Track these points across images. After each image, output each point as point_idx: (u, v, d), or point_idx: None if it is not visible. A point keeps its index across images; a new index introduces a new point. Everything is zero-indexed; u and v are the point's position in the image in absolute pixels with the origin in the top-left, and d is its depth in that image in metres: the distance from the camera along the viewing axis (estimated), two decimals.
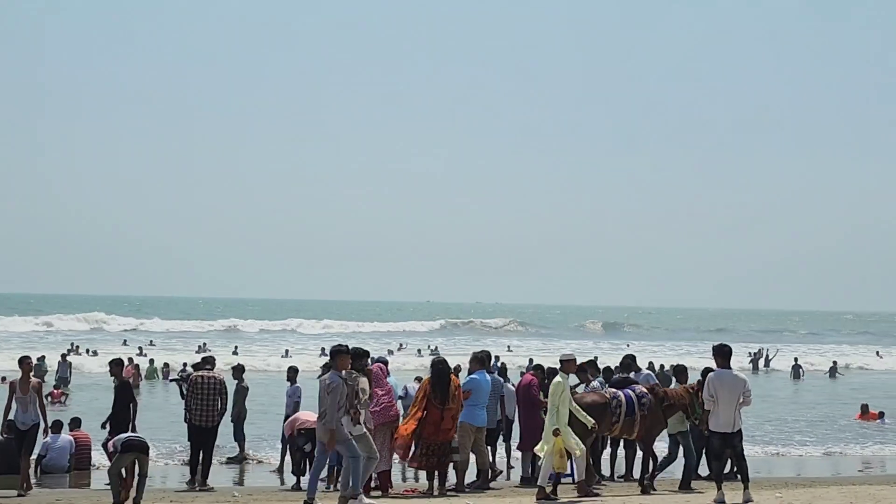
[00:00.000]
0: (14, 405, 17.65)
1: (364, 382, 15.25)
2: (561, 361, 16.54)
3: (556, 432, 15.57)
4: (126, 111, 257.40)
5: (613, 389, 17.53)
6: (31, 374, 17.98)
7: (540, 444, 16.00)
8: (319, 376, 20.37)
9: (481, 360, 18.05)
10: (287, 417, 20.97)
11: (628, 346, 73.11)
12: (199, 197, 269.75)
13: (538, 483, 15.91)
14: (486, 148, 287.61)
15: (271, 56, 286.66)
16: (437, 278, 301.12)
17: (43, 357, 41.62)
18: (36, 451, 19.69)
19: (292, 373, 22.14)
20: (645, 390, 17.43)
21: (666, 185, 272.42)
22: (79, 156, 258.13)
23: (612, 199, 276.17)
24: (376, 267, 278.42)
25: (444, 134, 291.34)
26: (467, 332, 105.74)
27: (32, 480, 18.86)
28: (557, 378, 16.03)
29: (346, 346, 15.70)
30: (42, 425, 17.83)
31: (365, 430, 15.15)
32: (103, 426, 20.07)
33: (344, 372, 15.00)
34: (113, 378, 19.16)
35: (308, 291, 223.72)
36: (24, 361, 18.10)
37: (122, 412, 18.69)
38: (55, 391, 35.16)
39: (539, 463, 16.20)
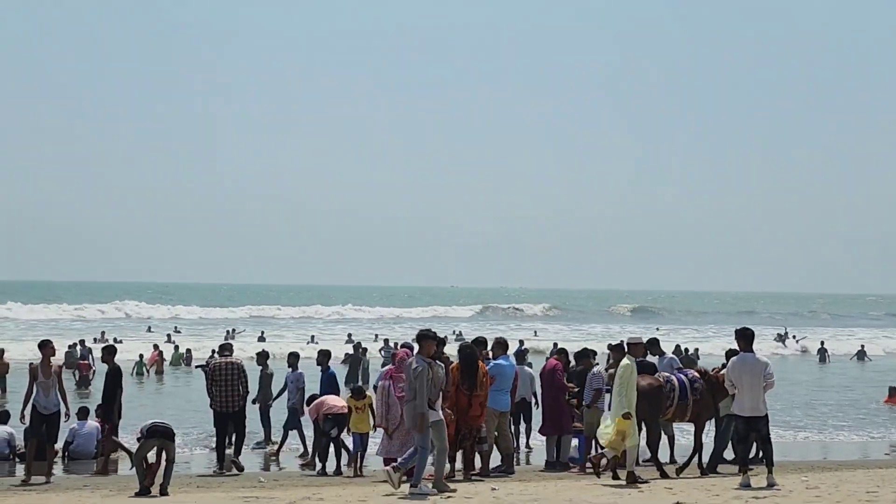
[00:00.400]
0: (35, 389, 17.60)
1: (440, 370, 15.22)
2: (628, 344, 16.42)
3: (626, 416, 15.46)
4: (132, 103, 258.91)
5: (666, 374, 17.53)
6: (52, 358, 17.91)
7: (603, 424, 15.89)
8: (319, 361, 20.46)
9: (504, 345, 18.02)
10: (295, 403, 20.94)
11: (658, 329, 72.99)
12: (221, 186, 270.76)
13: (626, 467, 15.71)
14: (508, 133, 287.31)
15: (292, 41, 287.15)
16: (461, 263, 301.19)
17: (76, 343, 41.51)
18: (63, 437, 19.82)
19: (293, 358, 21.99)
20: (697, 374, 17.38)
21: (692, 169, 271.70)
22: (99, 147, 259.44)
23: (639, 184, 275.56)
24: (399, 252, 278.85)
25: (465, 120, 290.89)
26: (505, 318, 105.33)
27: (58, 466, 18.97)
28: (626, 361, 15.89)
29: (433, 331, 15.73)
30: (63, 409, 17.84)
31: (441, 417, 15.09)
32: (97, 414, 20.17)
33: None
34: (105, 364, 19.33)
35: (331, 277, 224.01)
36: (45, 346, 18.06)
37: (114, 399, 18.81)
38: (82, 362, 35.04)
39: (597, 444, 15.99)
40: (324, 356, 20.68)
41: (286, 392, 21.79)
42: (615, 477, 15.99)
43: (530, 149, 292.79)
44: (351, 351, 41.69)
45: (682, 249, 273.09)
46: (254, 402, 22.02)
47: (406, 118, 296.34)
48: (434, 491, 14.52)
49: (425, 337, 15.16)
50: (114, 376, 18.93)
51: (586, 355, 19.16)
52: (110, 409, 18.72)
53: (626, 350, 16.55)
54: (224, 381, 18.88)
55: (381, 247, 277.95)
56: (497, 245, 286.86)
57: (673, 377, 17.25)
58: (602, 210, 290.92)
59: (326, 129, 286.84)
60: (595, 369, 18.44)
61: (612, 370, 16.90)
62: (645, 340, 19.37)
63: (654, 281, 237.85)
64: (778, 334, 70.38)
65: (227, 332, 64.15)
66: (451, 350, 18.02)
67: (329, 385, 19.92)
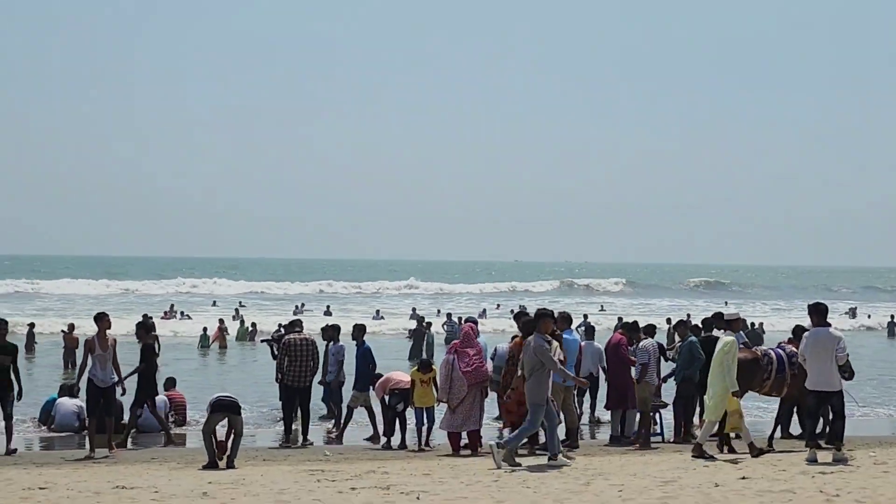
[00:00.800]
0: (91, 362, 17.60)
1: (556, 345, 15.25)
2: (727, 321, 16.33)
3: (736, 394, 15.45)
4: (203, 72, 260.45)
5: (764, 347, 17.35)
6: (108, 331, 17.90)
7: (712, 405, 15.80)
8: (354, 336, 20.30)
9: (569, 320, 17.94)
10: (330, 377, 20.81)
11: (726, 303, 72.48)
12: (290, 162, 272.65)
13: (697, 440, 15.77)
14: (580, 109, 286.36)
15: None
16: (523, 238, 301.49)
17: (146, 315, 41.81)
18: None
19: (333, 331, 21.32)
20: (794, 349, 17.22)
21: (765, 145, 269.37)
22: (163, 124, 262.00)
23: (709, 158, 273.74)
24: (462, 227, 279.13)
25: (535, 96, 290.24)
26: (583, 294, 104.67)
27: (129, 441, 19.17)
28: (729, 337, 15.82)
29: (551, 310, 15.93)
30: (118, 381, 17.89)
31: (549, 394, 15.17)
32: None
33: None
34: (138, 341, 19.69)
35: (395, 251, 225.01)
36: (101, 318, 18.07)
37: (147, 372, 19.13)
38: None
39: (701, 422, 15.95)
40: (359, 331, 20.30)
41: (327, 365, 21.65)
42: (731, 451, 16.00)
43: (591, 125, 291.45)
44: (415, 326, 41.82)
45: (753, 223, 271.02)
46: (321, 383, 22.05)
47: (462, 97, 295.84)
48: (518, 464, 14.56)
49: (543, 315, 15.25)
50: (145, 352, 19.28)
51: (636, 329, 19.03)
52: (143, 383, 19.08)
53: (713, 327, 16.49)
54: (298, 356, 18.97)
55: (444, 222, 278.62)
56: (559, 220, 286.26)
57: (771, 351, 17.20)
58: (670, 184, 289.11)
59: (378, 112, 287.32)
60: (641, 343, 18.32)
61: (676, 347, 16.77)
62: (711, 315, 19.25)
63: (726, 255, 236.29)
64: (850, 309, 69.96)
65: (296, 307, 64.38)
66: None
67: (364, 360, 19.64)
